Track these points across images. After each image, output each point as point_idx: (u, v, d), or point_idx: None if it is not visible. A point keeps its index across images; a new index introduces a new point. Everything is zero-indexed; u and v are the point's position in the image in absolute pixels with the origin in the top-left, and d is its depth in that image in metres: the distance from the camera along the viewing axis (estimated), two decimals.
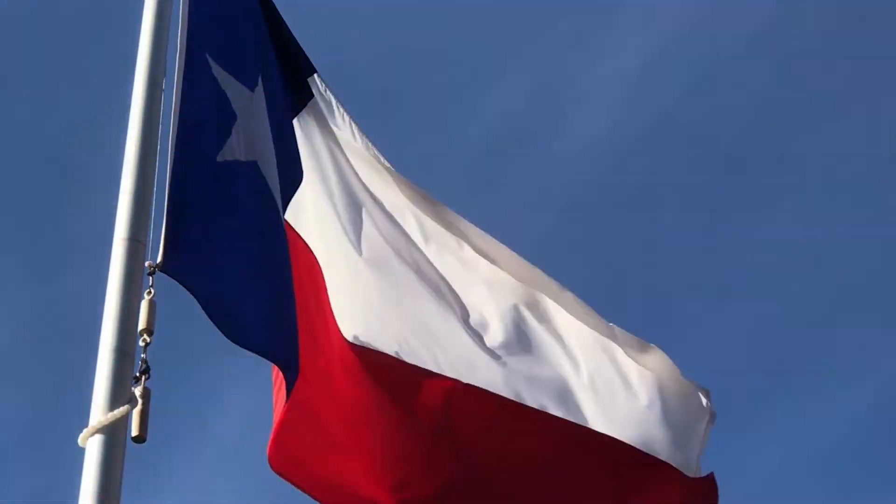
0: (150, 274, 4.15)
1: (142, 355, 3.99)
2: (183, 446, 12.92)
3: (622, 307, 15.45)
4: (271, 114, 4.81)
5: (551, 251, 15.42)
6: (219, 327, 4.16)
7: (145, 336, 4.02)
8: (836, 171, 15.34)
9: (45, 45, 14.08)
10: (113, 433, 3.77)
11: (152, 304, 4.10)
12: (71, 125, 13.76)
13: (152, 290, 4.13)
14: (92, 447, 3.74)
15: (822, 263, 15.33)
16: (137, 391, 3.89)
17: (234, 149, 4.56)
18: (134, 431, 3.84)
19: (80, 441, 3.74)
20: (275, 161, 4.72)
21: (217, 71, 4.61)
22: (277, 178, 4.69)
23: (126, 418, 3.81)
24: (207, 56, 4.62)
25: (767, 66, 15.48)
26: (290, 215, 4.94)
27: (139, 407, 3.86)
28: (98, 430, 3.75)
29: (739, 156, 15.44)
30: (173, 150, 4.41)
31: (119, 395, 3.84)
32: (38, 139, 14.10)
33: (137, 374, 3.94)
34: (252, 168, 4.59)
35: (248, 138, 4.60)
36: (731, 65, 15.42)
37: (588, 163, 15.53)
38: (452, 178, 15.28)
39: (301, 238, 5.06)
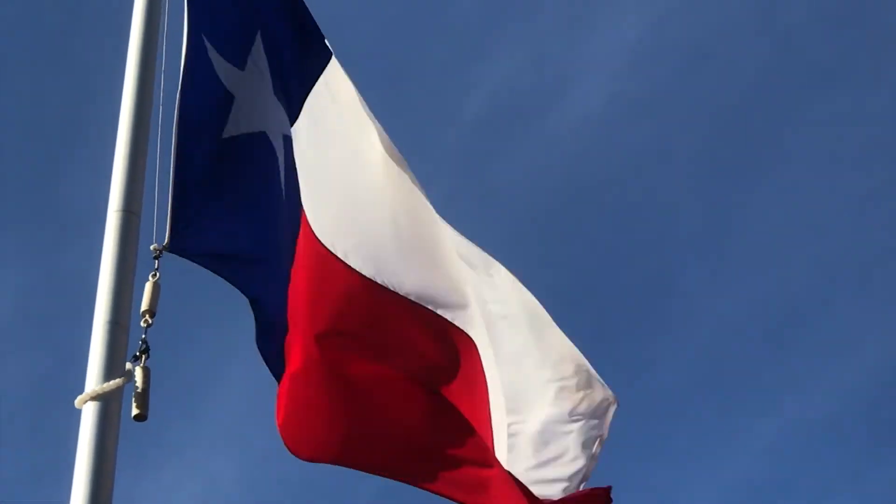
0: (157, 257, 4.11)
1: (142, 335, 3.95)
2: (184, 422, 12.97)
3: (622, 279, 15.51)
4: (276, 85, 4.93)
5: (551, 223, 15.47)
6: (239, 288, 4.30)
7: (147, 317, 3.99)
8: (837, 143, 15.32)
9: (41, 20, 14.08)
10: (108, 402, 3.73)
11: (156, 287, 4.05)
12: (68, 98, 13.77)
13: (157, 273, 4.07)
14: (87, 415, 3.73)
15: (822, 235, 15.38)
16: (137, 370, 3.85)
17: (239, 124, 4.55)
18: (134, 410, 3.81)
19: (76, 403, 3.77)
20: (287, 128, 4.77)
21: (212, 52, 4.51)
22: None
23: (121, 390, 3.78)
24: (204, 38, 4.65)
25: (766, 38, 15.47)
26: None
27: (140, 386, 3.82)
28: (93, 398, 3.72)
29: (739, 128, 15.42)
30: (177, 128, 4.33)
31: (113, 366, 3.81)
32: (35, 113, 14.11)
33: (137, 353, 3.90)
34: (261, 137, 4.63)
35: (250, 111, 4.59)
36: (729, 36, 15.42)
37: (587, 135, 15.52)
38: (450, 152, 15.29)
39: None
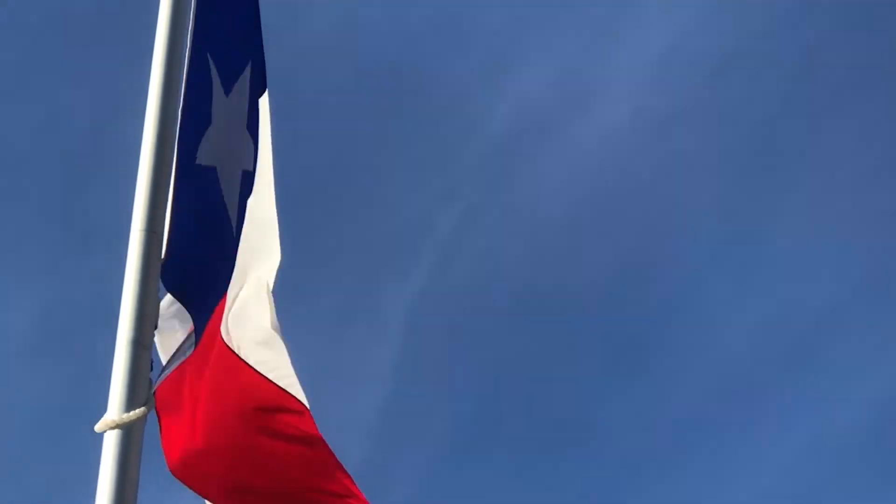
0: None
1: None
2: None
3: (646, 291, 15.48)
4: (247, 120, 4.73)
5: (575, 236, 15.45)
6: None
7: None
8: (864, 156, 15.29)
9: (64, 37, 14.15)
10: (130, 430, 3.75)
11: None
12: (92, 115, 13.83)
13: None
14: (109, 441, 3.75)
15: (847, 248, 15.31)
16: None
17: (205, 153, 4.58)
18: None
19: (97, 428, 3.76)
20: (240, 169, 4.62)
21: (213, 71, 4.46)
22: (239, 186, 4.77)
23: (144, 419, 3.79)
24: (207, 54, 4.60)
25: (792, 50, 15.42)
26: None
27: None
28: (116, 426, 3.74)
29: (764, 141, 15.41)
30: (179, 145, 4.27)
31: (136, 386, 3.82)
32: (59, 130, 14.18)
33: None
34: (212, 173, 4.45)
35: (216, 143, 4.44)
36: (755, 47, 15.37)
37: (612, 148, 15.51)
38: (475, 164, 15.30)
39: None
